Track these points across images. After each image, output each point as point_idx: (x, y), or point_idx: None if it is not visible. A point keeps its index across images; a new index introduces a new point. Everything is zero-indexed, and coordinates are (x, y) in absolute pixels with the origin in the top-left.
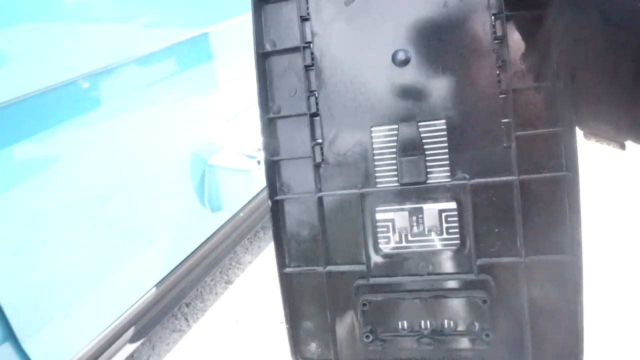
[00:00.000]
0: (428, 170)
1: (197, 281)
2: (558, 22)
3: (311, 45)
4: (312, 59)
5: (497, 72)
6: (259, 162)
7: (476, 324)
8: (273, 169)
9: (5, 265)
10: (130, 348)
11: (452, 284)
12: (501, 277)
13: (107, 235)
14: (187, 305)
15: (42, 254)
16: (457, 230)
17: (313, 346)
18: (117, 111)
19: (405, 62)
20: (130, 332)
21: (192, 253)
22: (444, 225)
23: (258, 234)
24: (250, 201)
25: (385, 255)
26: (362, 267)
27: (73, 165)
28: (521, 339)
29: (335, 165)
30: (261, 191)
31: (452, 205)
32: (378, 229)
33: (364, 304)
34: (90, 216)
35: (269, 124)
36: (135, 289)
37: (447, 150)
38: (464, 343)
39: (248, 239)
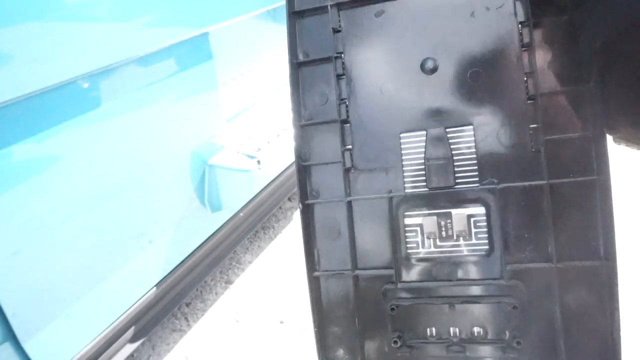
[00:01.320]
0: (456, 175)
1: (197, 281)
2: (586, 25)
3: (342, 55)
4: (343, 68)
5: (525, 78)
6: (259, 162)
7: (507, 331)
8: (304, 173)
9: (5, 265)
10: (130, 348)
11: (481, 289)
12: (532, 282)
13: (107, 235)
14: (187, 305)
15: (42, 254)
16: (486, 235)
17: (340, 352)
18: (117, 111)
19: (434, 70)
20: (130, 332)
21: (192, 253)
22: (473, 230)
23: (258, 234)
24: (250, 201)
25: (414, 260)
26: (391, 272)
27: (73, 165)
28: (554, 346)
29: (365, 171)
30: (261, 191)
31: (481, 210)
32: (407, 234)
33: (392, 309)
34: (90, 216)
35: (301, 130)
36: (135, 289)
37: (475, 155)
38: (494, 351)
39: (248, 239)
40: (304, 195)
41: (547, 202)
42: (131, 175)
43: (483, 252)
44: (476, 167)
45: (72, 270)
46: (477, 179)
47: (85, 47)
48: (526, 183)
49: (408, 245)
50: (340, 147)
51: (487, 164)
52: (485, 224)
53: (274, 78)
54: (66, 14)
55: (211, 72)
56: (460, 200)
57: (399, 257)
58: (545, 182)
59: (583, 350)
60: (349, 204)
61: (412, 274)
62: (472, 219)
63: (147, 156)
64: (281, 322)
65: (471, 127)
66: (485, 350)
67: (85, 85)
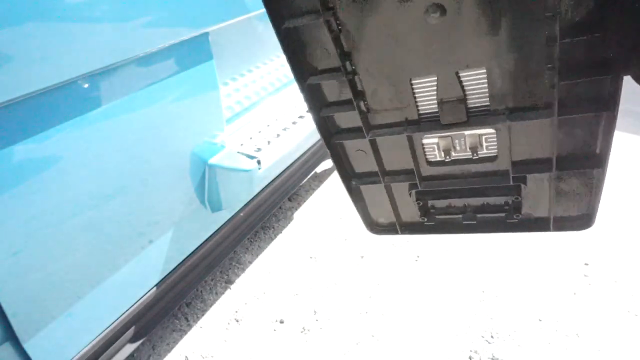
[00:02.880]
0: (469, 110)
1: (197, 281)
2: None
3: (336, 6)
4: (338, 24)
5: (545, 20)
6: (259, 162)
7: (509, 204)
8: (324, 121)
9: (6, 265)
10: (130, 348)
11: (490, 184)
12: (533, 179)
13: (107, 235)
14: (187, 304)
15: (42, 254)
16: (495, 147)
17: (382, 220)
18: (117, 111)
19: (444, 11)
20: (130, 332)
21: (192, 253)
22: (484, 144)
23: (258, 234)
24: (250, 201)
25: (433, 167)
26: (414, 179)
27: (73, 165)
28: (545, 211)
29: (380, 111)
30: (261, 191)
31: (491, 130)
32: (425, 150)
33: (419, 202)
34: (90, 216)
35: (310, 88)
36: (135, 289)
37: (487, 95)
38: (499, 217)
39: (248, 239)
40: (327, 137)
41: (553, 127)
42: (131, 175)
43: (492, 159)
44: (488, 103)
45: (72, 270)
46: (488, 107)
47: (85, 47)
48: (536, 120)
49: (427, 157)
50: (352, 97)
51: (499, 101)
52: (494, 140)
53: (274, 78)
54: (66, 14)
55: (211, 72)
56: (473, 126)
57: (419, 166)
58: (554, 117)
59: (567, 213)
60: (372, 140)
61: (432, 178)
62: (484, 137)
63: (148, 156)
64: (281, 322)
65: (484, 70)
66: (491, 216)
67: (86, 86)
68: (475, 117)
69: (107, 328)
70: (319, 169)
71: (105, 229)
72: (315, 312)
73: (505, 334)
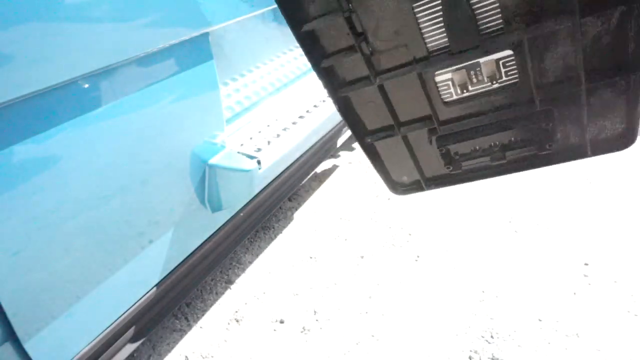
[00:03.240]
0: (480, 31)
1: (198, 281)
2: None
3: None
4: None
5: None
6: (259, 162)
7: (539, 136)
8: (326, 74)
9: (6, 265)
10: (130, 348)
11: (515, 117)
12: (562, 99)
13: (107, 235)
14: (188, 305)
15: (42, 254)
16: (515, 71)
17: (404, 178)
18: (117, 111)
19: None
20: (130, 332)
21: (192, 253)
22: (503, 70)
23: (258, 234)
24: (250, 201)
25: (450, 107)
26: (432, 122)
27: (73, 165)
28: (580, 135)
29: (385, 50)
30: (261, 191)
31: (509, 52)
32: (439, 89)
33: (441, 150)
34: (90, 216)
35: (305, 36)
36: (135, 289)
37: (499, 10)
38: (530, 150)
39: (248, 239)
40: (333, 90)
41: (578, 33)
42: (131, 175)
43: (514, 85)
44: (501, 19)
45: (72, 270)
46: (502, 26)
47: (85, 47)
48: (556, 26)
49: (442, 97)
50: (353, 39)
51: (513, 13)
52: (514, 63)
53: (274, 78)
54: (66, 14)
55: (211, 72)
56: (488, 49)
57: (436, 109)
58: (577, 18)
59: (604, 132)
60: (381, 86)
61: (451, 115)
62: (501, 62)
63: (147, 156)
64: (281, 322)
65: None
66: (523, 151)
67: (86, 86)
68: (489, 40)
69: (107, 328)
70: (319, 169)
71: (105, 229)
72: (315, 312)
73: (505, 334)
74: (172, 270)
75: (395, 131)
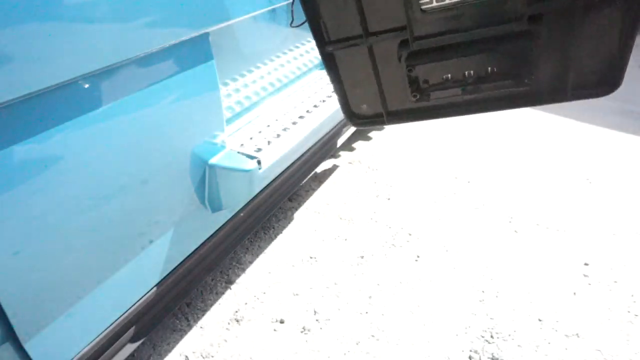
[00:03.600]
0: None
1: (197, 281)
2: None
3: None
4: None
5: None
6: (259, 162)
7: (520, 67)
8: None
9: (6, 265)
10: (130, 348)
11: (499, 35)
12: (551, 19)
13: (107, 235)
14: (188, 305)
15: (42, 254)
16: None
17: (364, 107)
18: (117, 111)
19: None
20: (130, 332)
21: (192, 253)
22: None
23: (258, 234)
24: (250, 201)
25: (428, 15)
26: (404, 34)
27: (73, 165)
28: (562, 73)
29: None
30: (261, 191)
31: None
32: None
33: (410, 69)
34: (90, 216)
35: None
36: (135, 289)
37: None
38: (508, 84)
39: (248, 239)
40: None
41: None
42: (131, 175)
43: None
44: None
45: (72, 270)
46: None
47: (85, 47)
48: None
49: (421, 1)
50: None
51: None
52: None
53: (274, 78)
54: (66, 14)
55: (211, 72)
56: None
57: (411, 15)
58: None
59: (589, 74)
60: None
61: (426, 30)
62: None
63: (148, 156)
64: (281, 322)
65: None
66: (499, 85)
67: (86, 86)
68: None
69: (107, 328)
70: (319, 169)
71: (105, 229)
72: (315, 312)
73: (505, 334)
74: (172, 270)
75: (362, 40)
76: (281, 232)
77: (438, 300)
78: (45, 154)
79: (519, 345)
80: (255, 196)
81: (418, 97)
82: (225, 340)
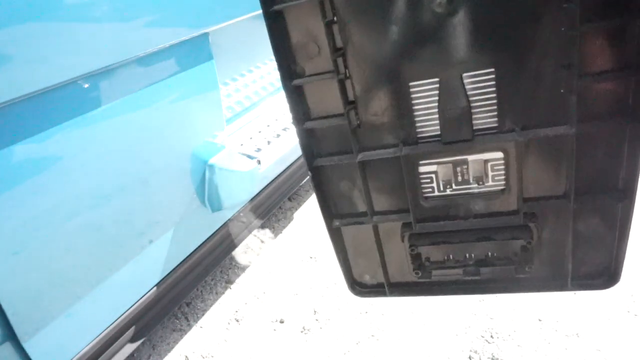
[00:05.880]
0: (474, 125)
1: (197, 281)
2: None
3: None
4: (334, 12)
5: (564, 6)
6: (259, 162)
7: (519, 254)
8: (307, 137)
9: (5, 265)
10: (130, 348)
11: (496, 225)
12: (547, 218)
13: (107, 235)
14: (188, 304)
15: (42, 254)
16: (503, 177)
17: (367, 277)
18: (117, 111)
19: (449, 2)
20: (130, 331)
21: (192, 253)
22: (490, 173)
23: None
24: (250, 201)
25: (430, 203)
26: (408, 216)
27: (73, 165)
28: (561, 265)
29: (373, 125)
30: (261, 191)
31: (499, 154)
32: (421, 181)
33: (412, 249)
34: (90, 216)
35: (295, 90)
36: (135, 289)
37: (495, 102)
38: (507, 271)
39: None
40: (310, 157)
41: (571, 147)
42: (131, 175)
43: (499, 192)
44: (496, 114)
45: (72, 270)
46: (496, 125)
47: (85, 47)
48: (550, 133)
49: (423, 191)
50: (342, 106)
51: (508, 110)
52: (503, 167)
53: (274, 78)
54: (66, 14)
55: (211, 72)
56: (478, 147)
57: (415, 202)
58: (572, 129)
59: (588, 264)
60: (361, 162)
61: (428, 216)
62: (489, 164)
63: (148, 156)
64: (281, 322)
65: (492, 70)
66: (498, 271)
67: (86, 86)
68: (482, 137)
69: (107, 328)
70: None
71: (105, 229)
72: (315, 312)
73: (505, 334)
74: (172, 270)
75: (367, 219)
76: (281, 232)
77: (438, 300)
78: (45, 153)
79: (519, 345)
80: (255, 196)
81: (420, 274)
82: (225, 340)
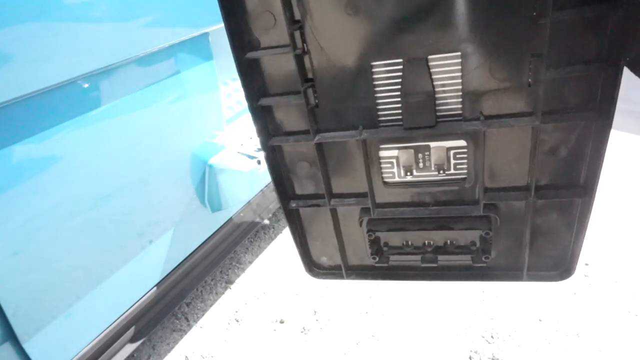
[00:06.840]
0: (437, 111)
1: (197, 281)
2: None
3: None
4: None
5: None
6: (259, 162)
7: (477, 244)
8: (262, 115)
9: (5, 265)
10: (130, 348)
11: (456, 214)
12: (507, 210)
13: (107, 235)
14: (188, 304)
15: (42, 254)
16: (465, 166)
17: (324, 259)
18: (117, 111)
19: None
20: (130, 332)
21: (192, 253)
22: (452, 162)
23: (258, 234)
24: (250, 201)
25: (389, 189)
26: (366, 201)
27: (73, 165)
28: (518, 256)
29: (332, 107)
30: (261, 191)
31: (462, 142)
32: (382, 166)
33: (370, 234)
34: (90, 216)
35: (249, 65)
36: (135, 289)
37: (460, 87)
38: (465, 259)
39: (248, 239)
40: (265, 134)
41: (535, 140)
42: (131, 175)
43: (461, 181)
44: (460, 101)
45: (72, 270)
46: (460, 112)
47: (85, 47)
48: (515, 124)
49: (384, 175)
50: (300, 84)
51: (473, 97)
52: (465, 156)
53: None
54: (66, 14)
55: (211, 72)
56: (441, 134)
57: (374, 187)
58: (537, 123)
59: (545, 256)
60: (318, 144)
61: (387, 200)
62: (452, 152)
63: (148, 156)
64: (281, 322)
65: (458, 54)
66: (456, 259)
67: (86, 86)
68: (445, 123)
69: (107, 328)
70: None
71: (105, 229)
72: (315, 312)
73: (505, 334)
74: (172, 270)
75: (325, 201)
76: (281, 232)
77: (438, 300)
78: (45, 153)
79: (519, 346)
80: (256, 196)
81: (377, 259)
82: (225, 340)
